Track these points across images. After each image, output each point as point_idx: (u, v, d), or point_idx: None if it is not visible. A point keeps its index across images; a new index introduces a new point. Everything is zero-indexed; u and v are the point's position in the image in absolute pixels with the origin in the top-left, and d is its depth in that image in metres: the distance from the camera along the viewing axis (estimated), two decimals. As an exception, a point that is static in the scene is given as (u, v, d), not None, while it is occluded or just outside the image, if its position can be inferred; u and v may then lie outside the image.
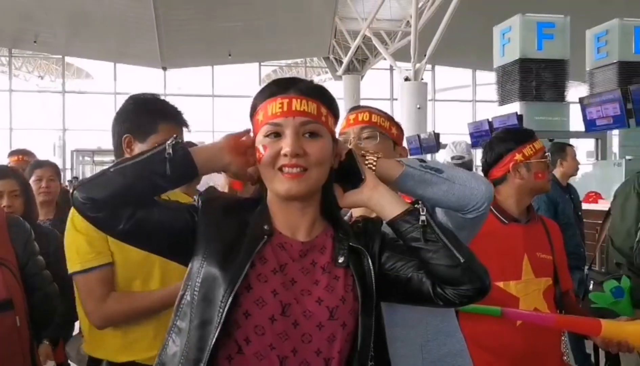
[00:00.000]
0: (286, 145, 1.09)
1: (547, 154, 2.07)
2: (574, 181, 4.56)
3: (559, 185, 4.09)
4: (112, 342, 1.74)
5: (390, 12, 17.23)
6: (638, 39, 10.61)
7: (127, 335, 1.73)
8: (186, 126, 1.83)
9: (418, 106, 14.54)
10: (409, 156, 1.60)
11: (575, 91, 12.89)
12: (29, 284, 1.98)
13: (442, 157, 4.00)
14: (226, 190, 1.43)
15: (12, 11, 16.22)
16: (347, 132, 1.52)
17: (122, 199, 1.06)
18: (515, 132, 2.18)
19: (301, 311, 1.08)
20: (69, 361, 2.61)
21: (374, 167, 1.20)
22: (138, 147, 1.71)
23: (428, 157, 11.63)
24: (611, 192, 7.66)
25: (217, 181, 1.54)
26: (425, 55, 14.65)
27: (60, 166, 19.68)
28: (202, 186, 2.30)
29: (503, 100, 11.40)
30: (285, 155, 1.09)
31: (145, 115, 1.75)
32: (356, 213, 1.43)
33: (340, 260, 1.13)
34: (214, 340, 1.04)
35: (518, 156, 2.03)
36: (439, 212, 1.37)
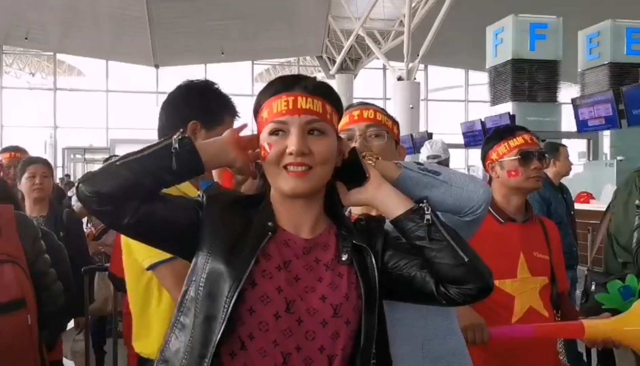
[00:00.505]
0: (292, 144, 1.08)
1: (528, 150, 2.01)
2: (566, 181, 4.57)
3: (551, 185, 4.10)
4: None
5: (384, 12, 17.25)
6: (630, 40, 10.68)
7: None
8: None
9: (411, 106, 14.56)
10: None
11: (567, 92, 12.96)
12: (36, 283, 1.97)
13: (419, 156, 4.02)
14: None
15: (3, 7, 16.11)
16: (352, 128, 1.49)
17: (128, 193, 1.06)
18: (498, 131, 2.16)
19: (305, 308, 1.08)
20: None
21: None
22: (202, 136, 1.61)
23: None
24: (603, 192, 7.75)
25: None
26: (418, 55, 14.68)
27: (51, 163, 19.48)
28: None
29: (495, 100, 11.45)
30: (290, 154, 1.08)
31: (216, 104, 1.70)
32: (356, 210, 1.43)
33: (344, 258, 1.13)
34: (219, 335, 1.04)
35: (493, 155, 2.07)
36: None
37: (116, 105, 20.41)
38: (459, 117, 19.32)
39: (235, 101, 1.83)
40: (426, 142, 4.41)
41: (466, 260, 1.07)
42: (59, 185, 7.54)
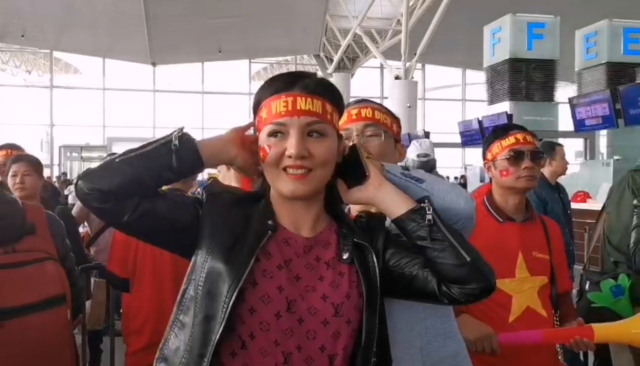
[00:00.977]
0: (291, 147, 1.07)
1: (518, 149, 1.98)
2: (563, 180, 4.57)
3: (548, 184, 4.10)
4: None
5: (381, 11, 17.25)
6: (627, 40, 10.71)
7: None
8: None
9: (408, 105, 14.57)
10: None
11: (564, 91, 12.99)
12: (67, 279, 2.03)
13: (409, 155, 4.01)
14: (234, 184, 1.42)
15: (0, 5, 16.05)
16: (350, 128, 1.47)
17: (128, 190, 1.05)
18: (494, 131, 2.15)
19: (306, 307, 1.07)
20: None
21: None
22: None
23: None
24: (599, 191, 7.76)
25: None
26: (415, 54, 14.68)
27: (47, 161, 19.28)
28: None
29: (492, 99, 11.46)
30: (289, 156, 1.07)
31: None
32: (355, 207, 1.42)
33: (345, 256, 1.12)
34: (218, 335, 1.03)
35: (489, 155, 2.06)
36: None
37: (113, 103, 20.38)
38: (456, 116, 19.34)
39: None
40: (414, 141, 4.41)
41: (468, 260, 1.06)
42: (53, 183, 7.49)
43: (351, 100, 1.59)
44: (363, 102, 1.52)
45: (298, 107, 1.08)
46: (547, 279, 2.01)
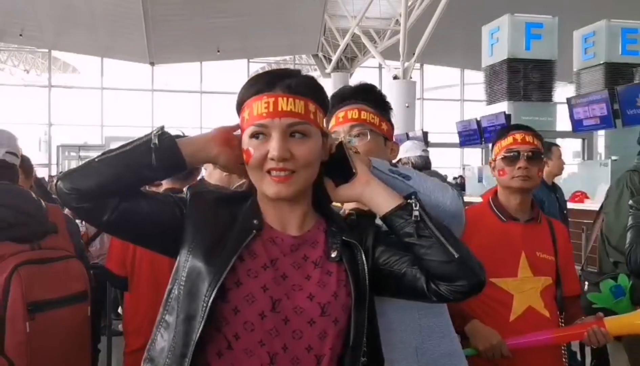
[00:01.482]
0: (273, 149, 1.06)
1: (513, 149, 2.00)
2: (561, 180, 4.58)
3: (544, 184, 4.11)
4: None
5: (380, 11, 17.24)
6: (625, 40, 10.71)
7: None
8: None
9: (407, 105, 14.56)
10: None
11: (562, 91, 12.99)
12: None
13: (408, 153, 4.09)
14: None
15: (-2, 4, 16.03)
16: (337, 131, 1.49)
17: (108, 189, 1.04)
18: (498, 131, 2.18)
19: (292, 307, 1.06)
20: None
21: None
22: None
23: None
24: (597, 192, 7.77)
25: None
26: (414, 54, 14.68)
27: (45, 161, 19.20)
28: None
29: (491, 99, 11.46)
30: (272, 159, 1.06)
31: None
32: (348, 207, 1.42)
33: (333, 255, 1.11)
34: (198, 334, 1.03)
35: (492, 155, 2.10)
36: None
37: (111, 102, 20.35)
38: (455, 116, 19.34)
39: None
40: (408, 142, 4.51)
41: (456, 257, 1.05)
42: (46, 181, 7.43)
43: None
44: (350, 103, 1.53)
45: (279, 108, 1.06)
46: (551, 280, 2.00)
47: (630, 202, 2.61)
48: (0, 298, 1.81)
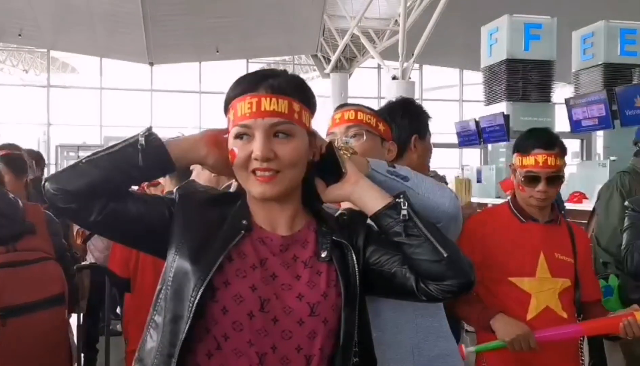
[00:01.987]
0: (256, 149, 1.06)
1: (534, 175, 1.98)
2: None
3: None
4: None
5: (379, 11, 17.25)
6: (623, 41, 10.71)
7: None
8: None
9: (406, 105, 14.53)
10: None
11: (561, 92, 13.00)
12: None
13: None
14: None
15: (-3, 4, 16.01)
16: (334, 132, 1.50)
17: (95, 190, 1.04)
18: (521, 138, 2.11)
19: (281, 307, 1.06)
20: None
21: None
22: (420, 146, 1.99)
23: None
24: (595, 192, 7.75)
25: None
26: (413, 55, 14.68)
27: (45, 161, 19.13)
28: None
29: (490, 100, 11.46)
30: (256, 159, 1.06)
31: (424, 118, 2.13)
32: (344, 205, 1.42)
33: (323, 254, 1.11)
34: (184, 335, 1.03)
35: (513, 159, 2.10)
36: None
37: (110, 102, 20.34)
38: (454, 116, 19.34)
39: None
40: None
41: (445, 256, 1.04)
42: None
43: (349, 100, 1.62)
44: (347, 105, 1.54)
45: (262, 108, 1.06)
46: (570, 282, 2.00)
47: (626, 203, 2.61)
48: None
